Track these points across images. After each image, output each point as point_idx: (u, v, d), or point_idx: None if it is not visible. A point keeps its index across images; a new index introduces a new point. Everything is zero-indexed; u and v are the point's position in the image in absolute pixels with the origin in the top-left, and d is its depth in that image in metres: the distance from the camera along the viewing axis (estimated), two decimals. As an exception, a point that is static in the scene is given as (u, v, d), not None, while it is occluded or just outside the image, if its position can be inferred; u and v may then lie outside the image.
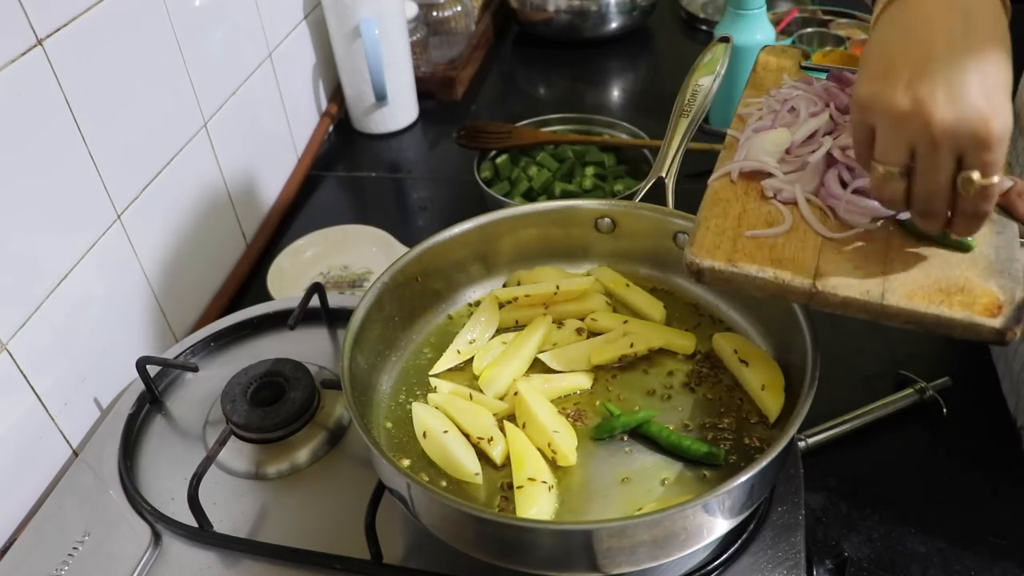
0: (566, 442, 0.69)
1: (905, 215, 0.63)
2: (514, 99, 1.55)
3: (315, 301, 0.89)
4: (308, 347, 0.88)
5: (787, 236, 0.64)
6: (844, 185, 0.67)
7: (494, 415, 0.72)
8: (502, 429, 0.71)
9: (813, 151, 0.69)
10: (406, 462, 0.70)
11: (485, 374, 0.76)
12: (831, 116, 0.72)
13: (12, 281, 0.75)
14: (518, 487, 0.66)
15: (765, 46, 0.88)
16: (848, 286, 0.60)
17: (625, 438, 0.71)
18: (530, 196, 1.12)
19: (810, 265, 0.61)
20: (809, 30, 1.47)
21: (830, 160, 0.68)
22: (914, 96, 0.50)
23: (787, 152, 0.71)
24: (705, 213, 0.66)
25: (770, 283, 0.61)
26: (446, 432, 0.70)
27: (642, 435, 0.70)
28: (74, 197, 0.82)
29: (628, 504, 0.66)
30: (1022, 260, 0.61)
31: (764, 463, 0.58)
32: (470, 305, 0.85)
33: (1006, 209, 0.60)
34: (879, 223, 0.65)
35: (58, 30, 0.77)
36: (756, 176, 0.70)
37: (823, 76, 0.80)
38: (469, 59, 1.51)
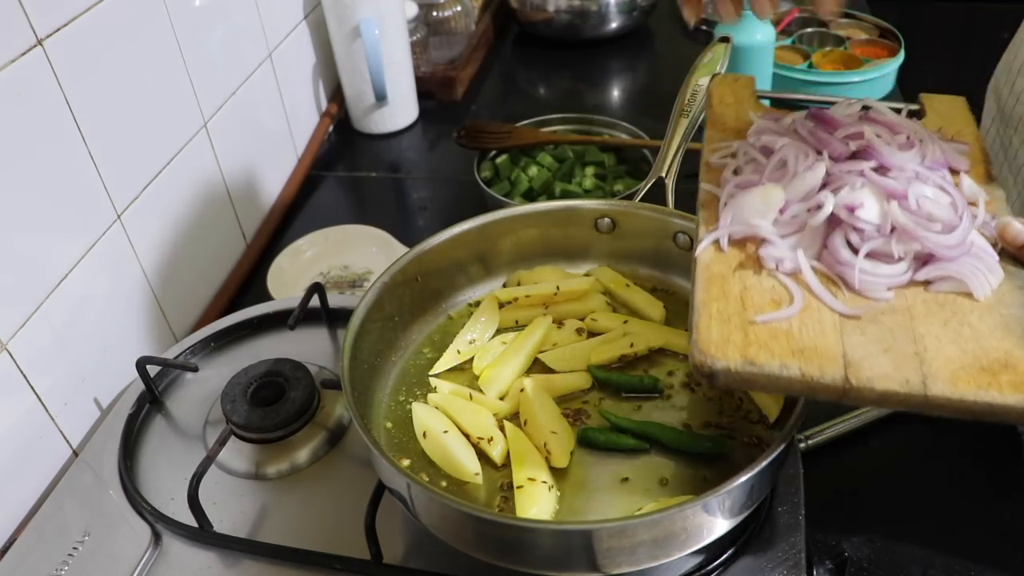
0: (562, 444, 0.69)
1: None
2: (514, 99, 1.55)
3: (315, 301, 0.89)
4: (308, 347, 0.88)
5: (800, 316, 0.57)
6: (852, 249, 0.60)
7: (494, 415, 0.72)
8: (502, 429, 0.71)
9: (810, 209, 0.62)
10: (406, 462, 0.70)
11: (485, 374, 0.76)
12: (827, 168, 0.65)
13: (12, 281, 0.75)
14: (518, 487, 0.66)
15: (714, 75, 0.84)
16: (885, 376, 0.52)
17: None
18: (530, 196, 1.12)
19: (835, 353, 0.54)
20: (809, 30, 1.47)
21: (834, 221, 0.62)
22: None
23: (780, 212, 0.63)
24: (702, 296, 0.59)
25: (796, 382, 0.53)
26: (446, 432, 0.70)
27: (643, 435, 0.70)
28: (74, 197, 0.82)
29: (628, 504, 0.66)
30: None
31: (764, 463, 0.58)
32: (470, 305, 0.85)
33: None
34: (893, 293, 0.59)
35: (58, 30, 0.77)
36: (748, 241, 0.63)
37: (795, 104, 0.78)
38: (469, 59, 1.51)
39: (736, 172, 0.69)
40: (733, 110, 0.78)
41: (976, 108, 0.94)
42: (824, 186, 0.63)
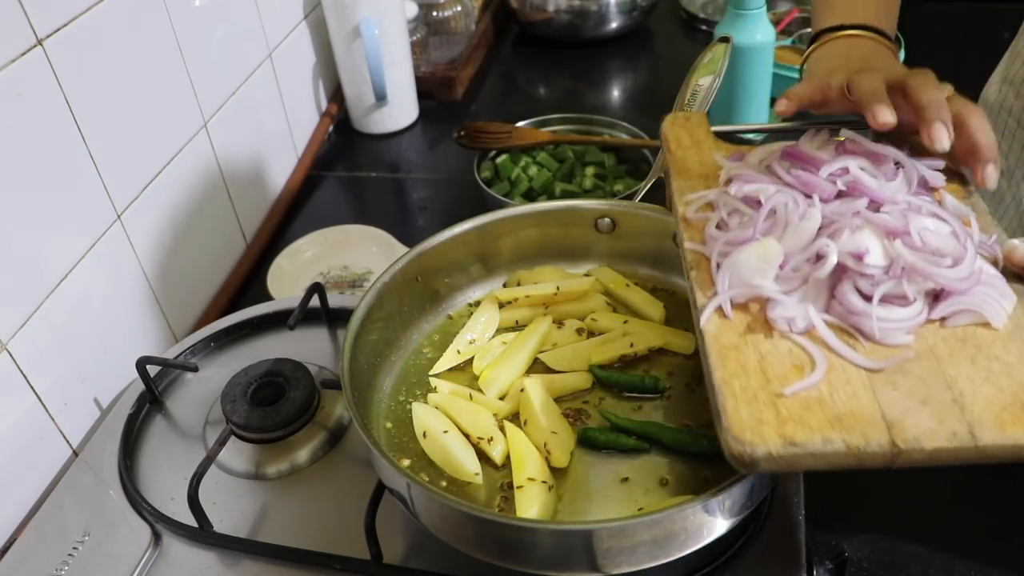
0: (562, 444, 0.69)
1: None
2: (514, 99, 1.55)
3: (315, 301, 0.89)
4: (308, 347, 0.88)
5: (827, 378, 0.54)
6: (863, 296, 0.57)
7: (494, 415, 0.72)
8: (502, 429, 0.71)
9: (811, 260, 0.59)
10: (406, 462, 0.70)
11: (485, 374, 0.76)
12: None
13: (12, 281, 0.75)
14: (518, 487, 0.66)
15: (666, 116, 0.79)
16: (931, 432, 0.50)
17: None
18: (530, 196, 1.12)
19: (874, 414, 0.51)
20: (809, 30, 1.47)
21: (839, 269, 0.59)
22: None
23: (780, 267, 0.59)
24: (721, 374, 0.54)
25: (843, 455, 0.49)
26: (446, 432, 0.70)
27: (643, 435, 0.70)
28: (74, 197, 0.82)
29: (628, 504, 0.66)
30: None
31: (764, 463, 0.58)
32: (470, 305, 0.85)
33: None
34: (913, 336, 0.56)
35: (58, 30, 0.77)
36: (751, 302, 0.60)
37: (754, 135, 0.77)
38: (469, 59, 1.51)
39: (720, 227, 0.65)
40: (694, 153, 0.74)
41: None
42: (819, 230, 0.61)
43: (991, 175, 0.63)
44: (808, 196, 0.63)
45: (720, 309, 0.59)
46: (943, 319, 0.57)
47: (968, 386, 0.53)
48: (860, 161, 0.66)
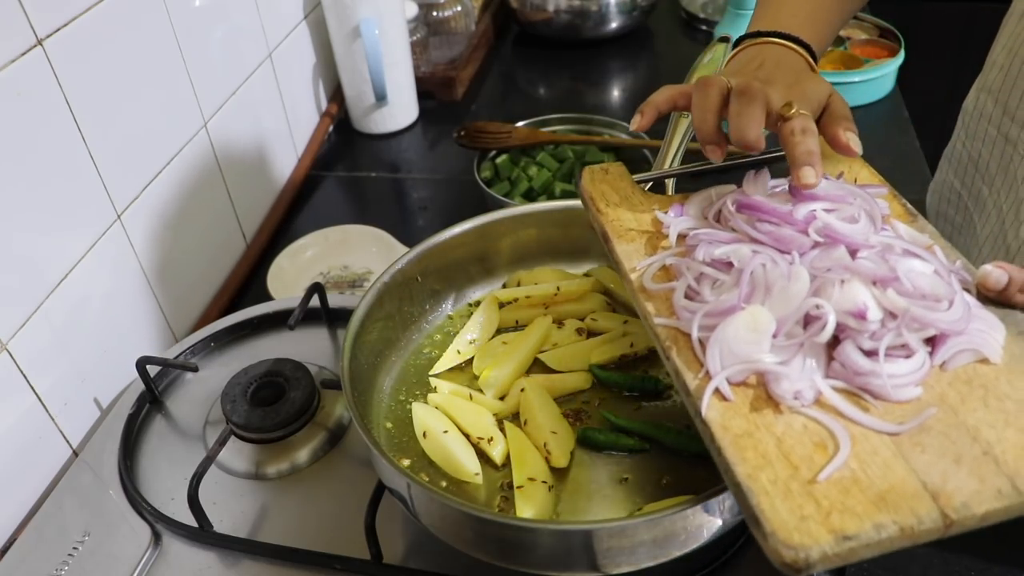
0: (561, 444, 0.69)
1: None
2: (514, 99, 1.55)
3: (315, 301, 0.89)
4: (308, 347, 0.88)
5: (854, 454, 0.50)
6: (865, 353, 0.54)
7: (494, 415, 0.72)
8: (502, 429, 0.71)
9: (799, 322, 0.55)
10: (406, 462, 0.70)
11: (485, 374, 0.76)
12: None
13: (12, 281, 0.75)
14: (518, 487, 0.66)
15: (583, 170, 0.73)
16: (976, 494, 0.47)
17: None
18: (530, 196, 1.12)
19: (915, 486, 0.48)
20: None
21: (838, 329, 0.55)
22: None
23: (773, 336, 0.55)
24: (744, 469, 0.49)
25: (896, 539, 0.46)
26: (446, 432, 0.70)
27: (643, 435, 0.70)
28: (74, 197, 0.82)
29: (628, 504, 0.66)
30: None
31: (764, 463, 0.58)
32: (470, 305, 0.85)
33: (1006, 304, 0.57)
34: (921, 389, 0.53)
35: (58, 30, 0.77)
36: (748, 378, 0.55)
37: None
38: (469, 59, 1.51)
39: (689, 296, 0.60)
40: (626, 210, 0.69)
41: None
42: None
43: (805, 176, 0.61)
44: (784, 252, 0.59)
45: (719, 391, 0.54)
46: (943, 363, 0.55)
47: (992, 434, 0.50)
48: (823, 204, 0.62)
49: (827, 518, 0.46)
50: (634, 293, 0.63)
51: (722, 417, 0.53)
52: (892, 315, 0.55)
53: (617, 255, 0.66)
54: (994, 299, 0.58)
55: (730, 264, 0.60)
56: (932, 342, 0.55)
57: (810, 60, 0.71)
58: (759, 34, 0.72)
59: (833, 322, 0.54)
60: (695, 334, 0.57)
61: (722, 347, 0.55)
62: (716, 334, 0.56)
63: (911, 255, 0.59)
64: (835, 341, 0.55)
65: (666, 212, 0.68)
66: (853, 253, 0.59)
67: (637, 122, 0.70)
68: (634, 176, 0.73)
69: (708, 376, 0.55)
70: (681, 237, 0.65)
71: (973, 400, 0.53)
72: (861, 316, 0.54)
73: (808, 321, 0.56)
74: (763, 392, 0.54)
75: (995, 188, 0.89)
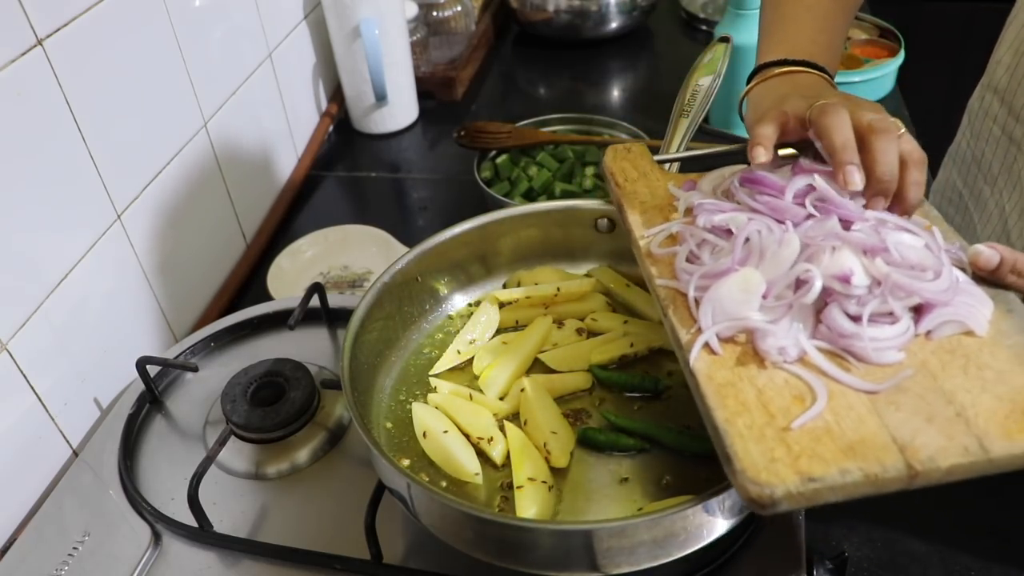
0: (561, 444, 0.69)
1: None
2: (514, 99, 1.55)
3: (315, 301, 0.89)
4: (308, 347, 0.88)
5: (830, 408, 0.53)
6: (851, 318, 0.57)
7: (494, 415, 0.72)
8: (502, 429, 0.71)
9: (790, 286, 0.58)
10: (406, 462, 0.70)
11: (485, 374, 0.76)
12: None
13: (12, 281, 0.75)
14: (518, 487, 0.66)
15: (607, 149, 0.78)
16: (943, 450, 0.50)
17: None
18: (530, 196, 1.12)
19: (885, 439, 0.51)
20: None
21: (824, 293, 0.58)
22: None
23: (764, 297, 0.58)
24: (722, 414, 0.53)
25: (862, 484, 0.49)
26: (446, 432, 0.70)
27: (643, 435, 0.70)
28: (74, 197, 0.82)
29: (628, 504, 0.66)
30: None
31: (764, 463, 0.58)
32: (470, 305, 0.85)
33: (999, 284, 0.59)
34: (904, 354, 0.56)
35: (58, 30, 0.77)
36: (738, 335, 0.58)
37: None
38: (469, 59, 1.51)
39: (690, 259, 0.64)
40: (643, 185, 0.73)
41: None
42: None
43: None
44: (780, 222, 0.63)
45: (708, 345, 0.57)
46: (928, 332, 0.58)
47: (967, 398, 0.53)
48: (820, 177, 0.64)
49: (796, 461, 0.50)
50: (641, 258, 0.67)
51: (709, 368, 0.56)
52: (878, 283, 0.58)
53: (629, 223, 0.70)
54: (987, 279, 0.60)
55: (730, 232, 0.64)
56: (919, 311, 0.58)
57: (835, 85, 0.74)
58: (786, 62, 0.73)
59: (819, 285, 0.57)
60: (691, 293, 0.61)
61: (715, 305, 0.59)
62: (709, 293, 0.59)
63: (903, 230, 0.62)
64: (824, 306, 0.58)
65: (680, 187, 0.72)
66: (848, 225, 0.61)
67: (763, 156, 0.65)
68: (655, 157, 0.77)
69: (700, 331, 0.59)
70: (689, 209, 0.69)
71: (953, 368, 0.55)
72: (845, 280, 0.57)
73: (798, 286, 0.59)
74: (751, 350, 0.57)
75: (997, 188, 0.89)
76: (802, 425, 0.51)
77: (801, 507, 0.50)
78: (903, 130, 0.63)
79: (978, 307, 0.58)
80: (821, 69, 0.72)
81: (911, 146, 0.63)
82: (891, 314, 0.57)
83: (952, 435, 0.51)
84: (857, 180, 0.61)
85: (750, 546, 0.68)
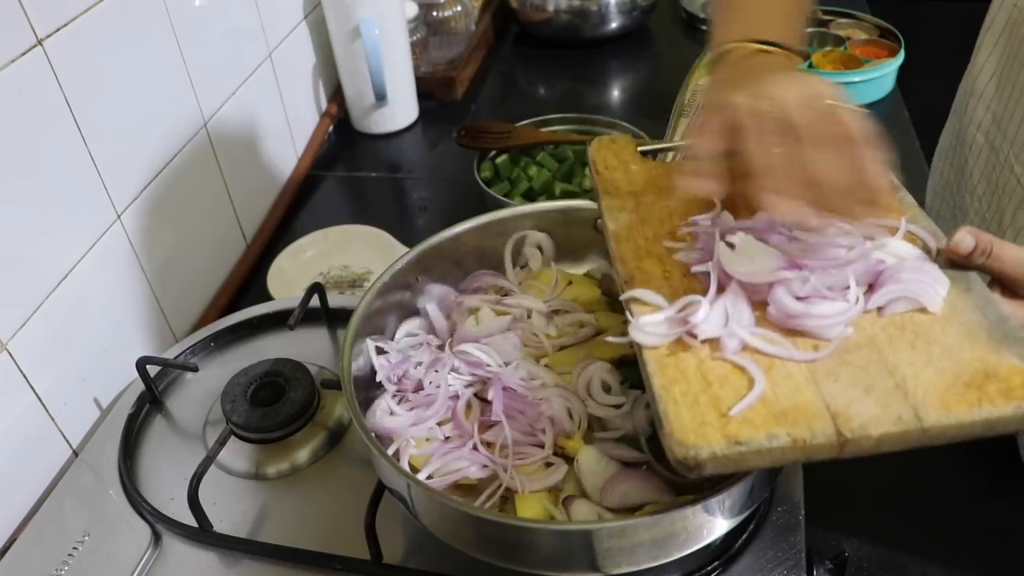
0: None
1: None
2: (514, 99, 1.55)
3: (315, 301, 0.89)
4: (308, 347, 0.88)
5: (769, 377, 0.54)
6: (799, 299, 0.57)
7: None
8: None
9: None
10: (406, 462, 0.70)
11: (485, 374, 0.75)
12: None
13: (12, 281, 0.75)
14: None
15: (593, 140, 0.79)
16: (875, 419, 0.50)
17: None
18: (530, 196, 1.12)
19: (818, 407, 0.51)
20: (809, 30, 1.47)
21: (776, 282, 0.58)
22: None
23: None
24: (659, 381, 0.54)
25: (789, 450, 0.50)
26: (446, 432, 0.70)
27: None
28: (74, 197, 0.82)
29: (628, 504, 0.66)
30: (1008, 312, 0.56)
31: (764, 463, 0.58)
32: (470, 305, 0.85)
33: (969, 266, 0.58)
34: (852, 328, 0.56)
35: (58, 30, 0.77)
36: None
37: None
38: (469, 59, 1.51)
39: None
40: (621, 173, 0.75)
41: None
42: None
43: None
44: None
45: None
46: (880, 309, 0.58)
47: (910, 371, 0.53)
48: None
49: (725, 426, 0.51)
50: (609, 239, 0.69)
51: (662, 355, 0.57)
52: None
53: (602, 208, 0.71)
54: (959, 263, 0.59)
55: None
56: (871, 288, 0.59)
57: (800, 63, 0.70)
58: (751, 41, 0.69)
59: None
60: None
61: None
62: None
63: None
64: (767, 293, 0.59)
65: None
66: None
67: (703, 189, 0.62)
68: (639, 148, 0.77)
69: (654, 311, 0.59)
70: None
71: (901, 343, 0.55)
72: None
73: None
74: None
75: (976, 196, 0.89)
76: (741, 412, 0.51)
77: (727, 471, 0.50)
78: (842, 107, 0.58)
79: (932, 285, 0.58)
80: (788, 48, 0.69)
81: (854, 127, 0.57)
82: (843, 290, 0.58)
83: (888, 405, 0.51)
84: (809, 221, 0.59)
85: (750, 546, 0.68)
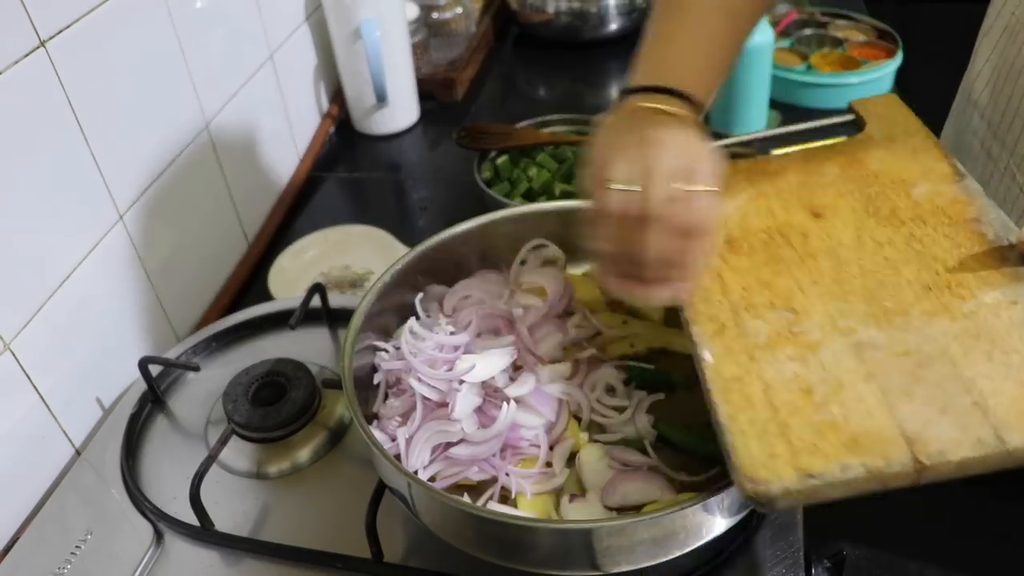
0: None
1: None
2: (514, 100, 1.55)
3: (316, 301, 0.89)
4: (309, 347, 0.88)
5: (839, 401, 0.51)
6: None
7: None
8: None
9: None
10: (407, 461, 0.71)
11: (486, 374, 0.76)
12: None
13: (15, 281, 0.75)
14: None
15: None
16: (955, 442, 0.47)
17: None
18: (530, 196, 1.12)
19: (892, 432, 0.48)
20: (807, 32, 1.47)
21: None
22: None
23: None
24: (725, 410, 0.52)
25: (864, 481, 0.48)
26: (447, 431, 0.70)
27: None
28: (76, 198, 0.82)
29: (628, 503, 0.66)
30: None
31: (763, 462, 0.58)
32: (470, 305, 0.85)
33: None
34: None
35: (61, 31, 0.78)
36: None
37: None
38: (469, 60, 1.51)
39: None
40: None
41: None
42: None
43: None
44: None
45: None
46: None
47: (988, 386, 0.50)
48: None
49: (795, 457, 0.48)
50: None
51: (718, 363, 0.56)
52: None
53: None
54: None
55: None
56: None
57: (700, 125, 0.66)
58: (646, 89, 0.67)
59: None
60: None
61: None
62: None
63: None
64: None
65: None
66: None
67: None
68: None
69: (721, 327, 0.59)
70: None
71: (976, 354, 0.52)
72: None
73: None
74: (762, 341, 0.57)
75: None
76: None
77: (802, 504, 0.50)
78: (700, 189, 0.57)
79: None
80: (689, 99, 0.66)
81: (700, 218, 0.57)
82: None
83: (967, 426, 0.48)
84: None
85: (749, 545, 0.68)
